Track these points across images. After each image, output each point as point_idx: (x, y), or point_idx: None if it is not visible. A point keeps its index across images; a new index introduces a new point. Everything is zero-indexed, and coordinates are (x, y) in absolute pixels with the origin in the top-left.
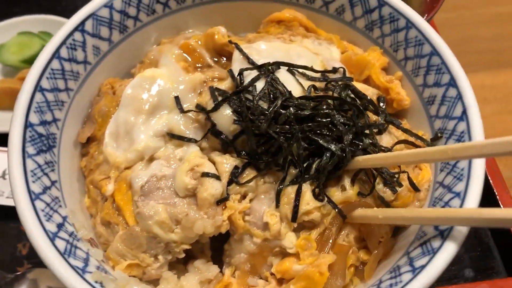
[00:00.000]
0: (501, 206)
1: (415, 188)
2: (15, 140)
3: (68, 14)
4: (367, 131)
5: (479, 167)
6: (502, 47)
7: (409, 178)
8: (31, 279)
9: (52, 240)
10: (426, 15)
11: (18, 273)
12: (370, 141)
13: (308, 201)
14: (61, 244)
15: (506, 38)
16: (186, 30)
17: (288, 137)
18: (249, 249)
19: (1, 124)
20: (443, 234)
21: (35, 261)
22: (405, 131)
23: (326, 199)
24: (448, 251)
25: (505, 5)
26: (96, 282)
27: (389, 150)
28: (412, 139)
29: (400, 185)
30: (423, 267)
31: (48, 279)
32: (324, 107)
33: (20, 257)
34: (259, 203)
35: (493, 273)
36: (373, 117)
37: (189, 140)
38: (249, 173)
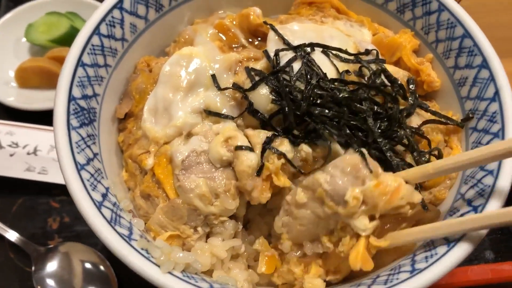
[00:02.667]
0: None
1: None
2: (60, 112)
3: None
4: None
5: None
6: None
7: (439, 156)
8: (63, 252)
9: (99, 209)
10: None
11: (50, 246)
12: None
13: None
14: (107, 213)
15: None
16: (219, 10)
17: (325, 120)
18: (310, 217)
19: (31, 102)
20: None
21: (66, 235)
22: (434, 113)
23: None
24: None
25: None
26: (142, 249)
27: (418, 130)
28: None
29: None
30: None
31: (79, 253)
32: (360, 92)
33: (51, 232)
34: (340, 176)
35: None
36: (402, 101)
37: (226, 117)
38: (281, 141)
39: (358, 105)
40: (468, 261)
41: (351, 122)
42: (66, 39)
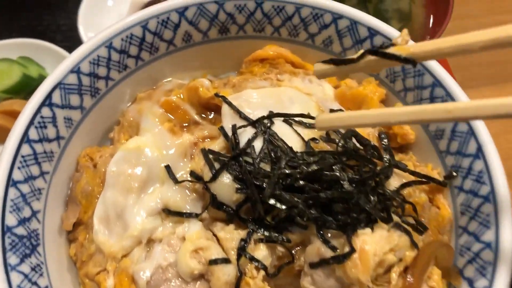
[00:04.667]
0: None
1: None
2: None
3: (50, 35)
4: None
5: None
6: (506, 59)
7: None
8: None
9: None
10: (428, 37)
11: None
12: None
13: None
14: None
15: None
16: (162, 79)
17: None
18: None
19: None
20: None
21: None
22: (413, 173)
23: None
24: None
25: (508, 13)
26: None
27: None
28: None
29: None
30: None
31: None
32: (331, 163)
33: None
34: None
35: None
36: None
37: (189, 215)
38: (256, 245)
39: (330, 173)
40: None
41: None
42: (19, 89)
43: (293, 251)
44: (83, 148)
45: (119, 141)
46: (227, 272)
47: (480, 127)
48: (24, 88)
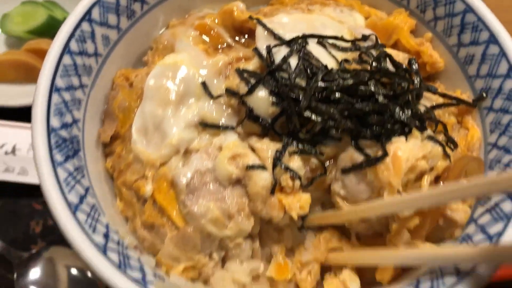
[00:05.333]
0: None
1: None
2: (40, 148)
3: None
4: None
5: None
6: None
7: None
8: (47, 257)
9: (105, 254)
10: None
11: (33, 251)
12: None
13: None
14: (114, 257)
15: None
16: (193, 9)
17: (334, 115)
18: None
19: (8, 98)
20: None
21: (50, 239)
22: (443, 95)
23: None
24: None
25: None
26: None
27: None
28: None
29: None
30: None
31: (64, 258)
32: (366, 79)
33: (34, 235)
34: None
35: None
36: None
37: (225, 128)
38: (291, 156)
39: (365, 87)
40: None
41: (363, 109)
42: (44, 30)
43: (326, 164)
44: (119, 69)
45: (153, 63)
46: (264, 177)
47: (511, 47)
48: (50, 29)
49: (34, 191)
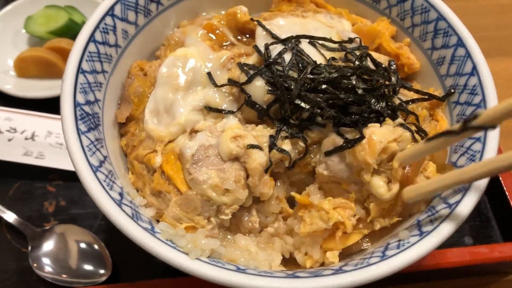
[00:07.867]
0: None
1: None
2: (68, 118)
3: None
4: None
5: None
6: (503, 35)
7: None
8: (58, 233)
9: (120, 207)
10: None
11: (46, 227)
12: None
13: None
14: (128, 210)
15: (508, 28)
16: (202, 13)
17: (320, 103)
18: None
19: (29, 90)
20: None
21: (61, 218)
22: (417, 91)
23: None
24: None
25: None
26: (167, 240)
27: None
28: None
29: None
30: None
31: (74, 234)
32: (348, 74)
33: (47, 214)
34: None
35: (491, 240)
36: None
37: (227, 112)
38: (283, 141)
39: (348, 81)
40: (448, 245)
41: (344, 99)
42: (64, 31)
43: (310, 148)
44: (135, 60)
45: (165, 56)
46: (261, 155)
47: (475, 50)
48: (69, 31)
49: (49, 175)
